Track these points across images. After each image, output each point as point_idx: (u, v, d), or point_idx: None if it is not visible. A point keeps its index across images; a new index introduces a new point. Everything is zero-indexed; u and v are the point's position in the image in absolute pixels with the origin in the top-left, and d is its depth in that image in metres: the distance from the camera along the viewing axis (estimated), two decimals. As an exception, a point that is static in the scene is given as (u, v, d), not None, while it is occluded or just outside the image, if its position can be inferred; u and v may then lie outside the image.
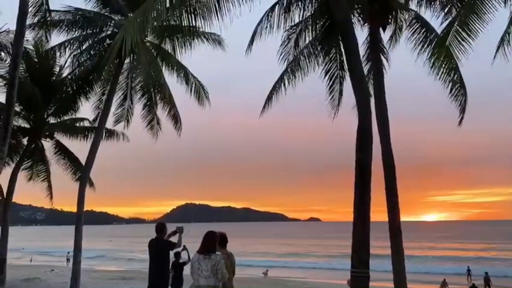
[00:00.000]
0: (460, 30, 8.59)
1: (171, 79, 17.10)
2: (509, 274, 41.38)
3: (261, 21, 11.59)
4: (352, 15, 11.97)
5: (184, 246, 9.07)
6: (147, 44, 16.61)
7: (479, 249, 69.05)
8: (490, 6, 8.73)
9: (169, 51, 16.67)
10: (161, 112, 18.40)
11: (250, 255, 66.79)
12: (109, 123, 18.51)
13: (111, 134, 19.57)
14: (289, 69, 12.04)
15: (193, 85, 16.96)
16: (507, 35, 8.75)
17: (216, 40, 16.81)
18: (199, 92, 17.16)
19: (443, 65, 10.94)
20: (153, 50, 16.70)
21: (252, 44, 11.69)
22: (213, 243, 6.55)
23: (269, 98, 12.07)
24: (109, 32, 17.23)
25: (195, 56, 16.57)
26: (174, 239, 8.99)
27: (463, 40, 8.65)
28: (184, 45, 15.40)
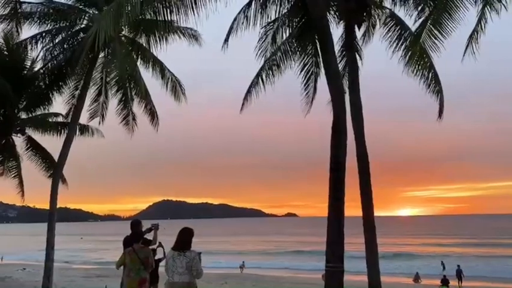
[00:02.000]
0: (433, 28, 8.77)
1: (147, 74, 16.89)
2: (481, 267, 42.63)
3: (237, 17, 11.56)
4: (327, 13, 12.05)
5: (159, 243, 8.99)
6: (122, 38, 16.35)
7: (452, 244, 70.77)
8: (462, 5, 8.95)
9: (145, 45, 16.44)
10: (137, 107, 18.15)
11: (227, 251, 66.84)
12: (83, 119, 18.16)
13: (85, 129, 19.19)
14: (266, 66, 12.05)
15: (170, 80, 16.78)
16: (475, 33, 8.96)
17: (193, 35, 16.64)
18: (176, 87, 16.99)
19: (418, 63, 11.17)
20: (127, 44, 16.45)
21: (228, 40, 11.66)
22: (188, 239, 6.51)
23: (247, 94, 12.07)
24: (83, 26, 16.85)
25: (171, 51, 16.41)
26: (149, 236, 8.92)
27: (436, 38, 8.83)
28: (160, 40, 15.17)
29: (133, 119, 18.40)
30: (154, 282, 11.44)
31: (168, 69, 16.85)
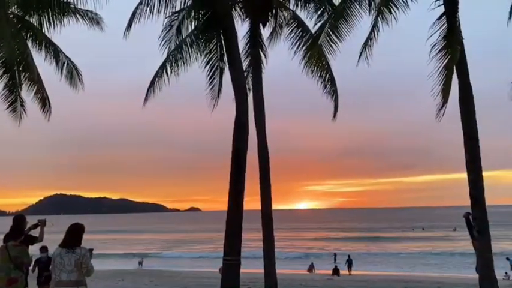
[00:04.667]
0: (330, 32, 9.30)
1: (39, 58, 15.52)
2: (372, 256, 46.39)
3: (140, 3, 11.14)
4: (233, 9, 12.14)
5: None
6: (11, 15, 14.84)
7: (343, 237, 75.69)
8: (357, 13, 9.62)
9: (37, 26, 15.10)
10: (26, 94, 16.61)
11: (124, 247, 64.67)
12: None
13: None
14: (171, 57, 11.77)
15: (65, 65, 15.61)
16: (369, 41, 9.69)
17: (93, 19, 15.63)
18: (72, 73, 15.84)
19: (316, 64, 11.75)
20: (16, 23, 14.97)
21: (130, 27, 11.20)
22: (78, 236, 6.14)
23: (151, 86, 11.68)
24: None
25: (70, 35, 15.24)
26: (35, 232, 8.26)
27: (333, 42, 9.39)
28: (54, 21, 13.99)
29: (22, 105, 16.84)
30: (43, 284, 10.59)
31: (64, 54, 15.66)
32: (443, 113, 8.69)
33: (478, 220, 9.53)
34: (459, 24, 9.46)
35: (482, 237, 9.46)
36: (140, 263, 40.17)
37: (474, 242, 9.81)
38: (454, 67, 9.01)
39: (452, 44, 8.89)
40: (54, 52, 15.27)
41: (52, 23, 13.79)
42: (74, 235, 6.14)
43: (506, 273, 28.29)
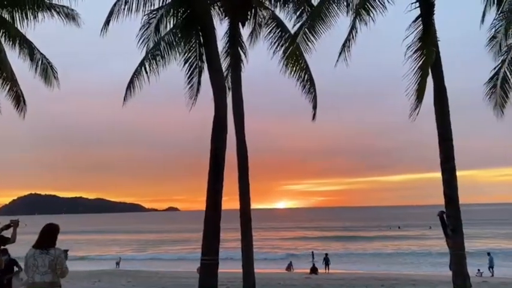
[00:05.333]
0: (308, 32, 9.37)
1: (12, 54, 15.12)
2: (349, 255, 46.90)
3: (118, 0, 10.99)
4: (212, 8, 12.10)
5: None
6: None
7: (320, 236, 76.30)
8: (334, 13, 9.74)
9: (9, 21, 14.70)
10: (0, 91, 16.18)
11: (101, 247, 63.74)
12: None
13: None
14: (149, 55, 11.65)
15: (40, 62, 15.27)
16: (348, 42, 9.80)
17: (70, 15, 15.32)
18: (47, 70, 15.50)
19: (295, 64, 11.81)
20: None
21: (108, 24, 11.03)
22: (52, 236, 6.02)
23: (130, 84, 11.53)
24: None
25: (47, 31, 14.88)
26: (8, 233, 8.06)
27: (310, 41, 9.48)
28: (27, 17, 13.62)
29: (-5, 102, 16.39)
30: (6, 287, 10.30)
31: (39, 50, 15.31)
32: (417, 113, 8.85)
33: (451, 218, 9.75)
34: (434, 26, 9.65)
35: (456, 235, 9.68)
36: (117, 264, 39.65)
37: (448, 240, 10.04)
38: (429, 68, 9.18)
39: (427, 45, 9.06)
40: (29, 48, 14.90)
41: (26, 18, 13.44)
42: (48, 236, 6.02)
43: (479, 269, 29.01)
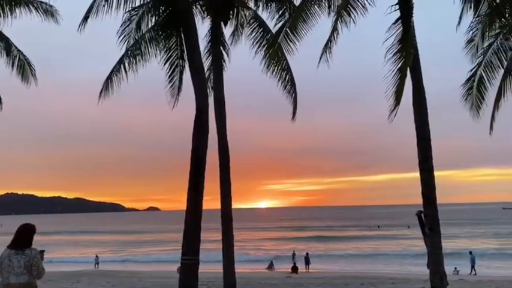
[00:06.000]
0: (290, 32, 9.42)
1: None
2: (329, 254, 47.26)
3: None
4: (194, 7, 12.04)
5: None
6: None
7: (301, 236, 76.63)
8: (316, 15, 9.80)
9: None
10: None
11: (79, 247, 62.82)
12: None
13: None
14: (129, 53, 11.52)
15: (17, 59, 14.96)
16: (329, 43, 9.86)
17: (48, 11, 15.04)
18: (24, 66, 15.20)
19: (276, 64, 11.85)
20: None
21: (86, 20, 10.86)
22: (28, 236, 5.91)
23: (108, 82, 11.36)
24: None
25: (24, 27, 14.54)
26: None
27: (291, 41, 9.53)
28: (4, 12, 13.31)
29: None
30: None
31: (16, 47, 15.00)
32: (395, 114, 8.96)
33: (429, 218, 9.92)
34: (414, 28, 9.80)
35: (434, 234, 9.85)
36: (96, 264, 39.13)
37: (426, 239, 10.21)
38: (408, 70, 9.32)
39: (406, 48, 9.19)
40: (6, 44, 14.58)
41: (2, 14, 13.14)
42: (23, 236, 5.90)
43: (455, 268, 29.58)
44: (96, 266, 38.55)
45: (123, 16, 11.52)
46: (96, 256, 40.89)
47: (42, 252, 6.00)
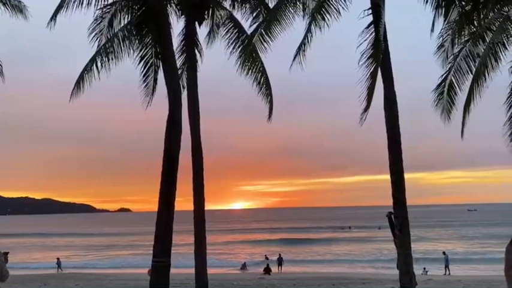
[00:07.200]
0: (264, 33, 9.45)
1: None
2: (302, 255, 47.59)
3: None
4: (168, 5, 11.92)
5: None
6: None
7: (274, 238, 76.82)
8: (290, 16, 9.88)
9: None
10: None
11: (47, 249, 61.19)
12: None
13: None
14: (102, 51, 11.31)
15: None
16: (303, 46, 9.93)
17: (16, 7, 14.63)
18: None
19: (251, 65, 11.86)
20: None
21: (56, 16, 10.59)
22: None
23: (80, 80, 11.14)
24: None
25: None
26: None
27: (266, 42, 9.57)
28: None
29: None
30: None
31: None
32: (365, 117, 9.10)
33: (399, 219, 10.10)
34: (386, 33, 9.97)
35: (403, 235, 10.03)
36: (59, 266, 37.64)
37: (396, 240, 10.39)
38: (380, 74, 9.47)
39: (378, 52, 9.33)
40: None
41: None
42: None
43: (424, 268, 30.23)
44: (59, 270, 37.10)
45: (94, 13, 11.31)
46: (58, 259, 39.45)
47: (6, 254, 5.82)
